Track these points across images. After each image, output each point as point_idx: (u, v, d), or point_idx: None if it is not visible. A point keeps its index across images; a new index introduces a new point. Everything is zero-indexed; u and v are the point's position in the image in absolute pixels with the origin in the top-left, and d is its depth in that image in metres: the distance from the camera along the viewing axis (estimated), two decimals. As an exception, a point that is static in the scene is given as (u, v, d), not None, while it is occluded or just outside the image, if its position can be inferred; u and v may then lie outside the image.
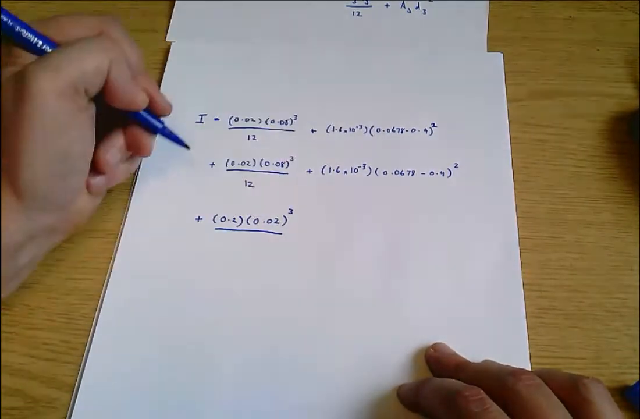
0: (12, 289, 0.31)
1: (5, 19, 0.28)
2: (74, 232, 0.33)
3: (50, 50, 0.29)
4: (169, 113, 0.34)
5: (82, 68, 0.28)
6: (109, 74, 0.29)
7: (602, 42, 0.44)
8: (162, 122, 0.34)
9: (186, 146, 0.36)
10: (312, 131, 0.40)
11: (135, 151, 0.33)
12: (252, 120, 0.40)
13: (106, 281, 0.34)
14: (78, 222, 0.32)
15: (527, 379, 0.26)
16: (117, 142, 0.32)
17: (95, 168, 0.32)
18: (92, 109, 0.30)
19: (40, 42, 0.29)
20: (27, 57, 0.28)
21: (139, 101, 0.31)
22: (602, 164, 0.39)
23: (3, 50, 0.29)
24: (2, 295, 0.30)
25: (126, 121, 0.33)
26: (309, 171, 0.38)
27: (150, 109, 0.33)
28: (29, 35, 0.29)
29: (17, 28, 0.28)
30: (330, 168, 0.38)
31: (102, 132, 0.32)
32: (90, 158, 0.31)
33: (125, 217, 0.36)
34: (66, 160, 0.29)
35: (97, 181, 0.32)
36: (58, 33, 0.29)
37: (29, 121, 0.27)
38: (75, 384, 0.32)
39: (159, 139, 0.34)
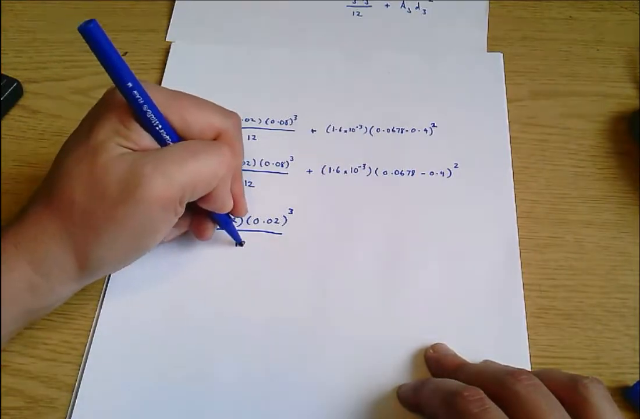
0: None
1: (137, 96, 0.26)
2: None
3: (169, 140, 0.28)
4: (242, 216, 0.35)
5: (197, 181, 0.28)
6: (215, 188, 0.29)
7: (602, 42, 0.44)
8: (230, 219, 0.34)
9: (241, 244, 0.36)
10: (312, 131, 0.40)
11: (196, 234, 0.34)
12: (252, 120, 0.40)
13: (106, 280, 0.34)
14: None
15: (525, 380, 0.26)
16: (181, 223, 0.32)
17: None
18: (182, 211, 0.30)
19: (165, 132, 0.28)
20: (140, 134, 0.28)
21: (226, 208, 0.32)
22: (602, 164, 0.39)
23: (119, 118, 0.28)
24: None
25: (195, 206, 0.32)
26: (309, 171, 0.38)
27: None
28: (153, 117, 0.27)
29: (145, 107, 0.27)
30: (330, 168, 0.38)
31: None
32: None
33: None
34: (139, 253, 0.30)
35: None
36: (177, 115, 0.29)
37: (126, 220, 0.27)
38: (75, 384, 0.32)
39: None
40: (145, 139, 0.28)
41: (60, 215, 0.28)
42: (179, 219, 0.30)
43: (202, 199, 0.30)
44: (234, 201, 0.32)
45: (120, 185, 0.27)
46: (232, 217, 0.35)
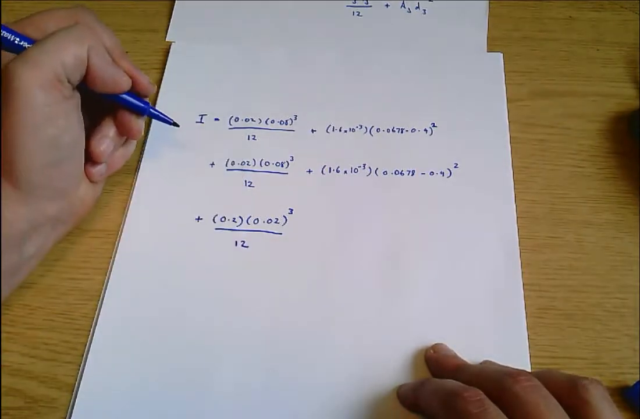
0: (20, 280, 0.31)
1: None
2: (78, 223, 0.34)
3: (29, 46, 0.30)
4: (153, 92, 0.35)
5: (62, 58, 0.28)
6: (88, 60, 0.30)
7: (602, 42, 0.44)
8: (147, 103, 0.34)
9: (175, 124, 0.36)
10: (312, 131, 0.40)
11: (126, 135, 0.34)
12: (252, 120, 0.40)
13: (106, 281, 0.34)
14: (81, 211, 0.33)
15: (524, 381, 0.26)
16: (108, 132, 0.33)
17: (91, 159, 0.33)
18: (76, 98, 0.30)
19: (18, 39, 0.30)
20: (10, 57, 0.29)
21: (123, 82, 0.32)
22: (602, 164, 0.39)
23: None
24: (10, 287, 0.31)
25: (113, 108, 0.33)
26: (309, 171, 0.38)
27: (134, 91, 0.33)
28: (7, 34, 0.29)
29: None
30: (330, 168, 0.38)
31: (93, 123, 0.33)
32: (83, 145, 0.32)
33: (125, 217, 0.36)
34: (57, 148, 0.30)
35: (97, 169, 0.33)
36: (34, 29, 0.30)
37: (17, 114, 0.28)
38: (75, 384, 0.32)
39: (156, 140, 0.34)
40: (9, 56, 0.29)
41: None
42: (106, 128, 0.33)
43: (90, 81, 0.30)
44: (131, 77, 0.32)
45: (1, 91, 0.28)
46: (149, 104, 0.34)
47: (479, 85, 0.42)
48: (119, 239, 0.36)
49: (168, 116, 0.36)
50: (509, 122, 0.40)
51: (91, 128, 0.33)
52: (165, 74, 0.42)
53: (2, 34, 0.29)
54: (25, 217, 0.29)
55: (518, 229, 0.36)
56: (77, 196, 0.32)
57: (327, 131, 0.40)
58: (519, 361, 0.32)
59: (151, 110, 0.35)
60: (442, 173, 0.38)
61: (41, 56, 0.28)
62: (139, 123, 0.34)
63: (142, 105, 0.34)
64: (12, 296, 0.33)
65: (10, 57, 0.29)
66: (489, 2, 0.46)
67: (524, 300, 0.34)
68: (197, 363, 0.32)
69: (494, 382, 0.26)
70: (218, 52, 0.43)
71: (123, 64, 0.33)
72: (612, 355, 0.32)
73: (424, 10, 0.46)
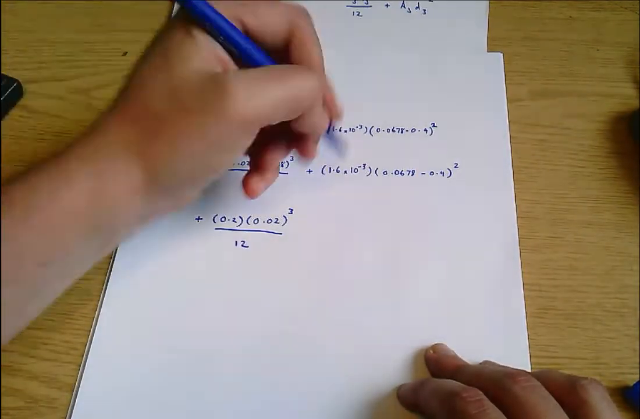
0: (105, 255, 0.30)
1: (210, 15, 0.25)
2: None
3: (248, 46, 0.27)
4: (340, 119, 0.33)
5: (285, 104, 0.27)
6: (306, 111, 0.28)
7: (602, 42, 0.44)
8: (332, 128, 0.33)
9: (342, 155, 0.35)
10: (312, 131, 0.40)
11: (301, 154, 0.32)
12: (252, 120, 0.40)
13: (106, 280, 0.34)
14: (180, 207, 0.31)
15: (524, 381, 0.26)
16: (284, 150, 0.32)
17: (259, 169, 0.32)
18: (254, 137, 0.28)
19: (257, 54, 0.27)
20: (215, 45, 0.26)
21: (324, 126, 0.30)
22: (602, 164, 0.39)
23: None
24: (100, 258, 0.29)
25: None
26: (309, 171, 0.38)
27: None
28: (225, 25, 0.26)
29: (215, 19, 0.26)
30: (330, 168, 0.38)
31: (268, 134, 0.31)
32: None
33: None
34: (211, 173, 0.28)
35: (259, 185, 0.32)
36: (252, 17, 0.27)
37: (206, 134, 0.26)
38: (75, 384, 0.32)
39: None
40: (222, 54, 0.27)
41: (131, 121, 0.26)
42: (280, 144, 0.31)
43: (294, 122, 0.29)
44: (328, 107, 0.30)
45: (201, 95, 0.25)
46: (333, 129, 0.33)
47: (479, 85, 0.42)
48: (119, 239, 0.36)
49: (343, 145, 0.34)
50: (509, 122, 0.40)
51: (265, 138, 0.30)
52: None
53: (227, 31, 0.26)
54: (137, 208, 0.28)
55: (518, 229, 0.36)
56: (189, 198, 0.30)
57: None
58: (519, 361, 0.32)
59: (332, 136, 0.33)
60: (442, 173, 0.38)
61: (270, 94, 0.26)
62: (315, 146, 0.32)
63: (339, 147, 0.33)
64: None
65: (218, 49, 0.27)
66: (489, 2, 0.46)
67: (524, 300, 0.34)
68: (197, 363, 0.32)
69: (493, 382, 0.26)
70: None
71: (327, 97, 0.30)
72: (612, 355, 0.32)
73: (424, 10, 0.46)
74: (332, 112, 0.31)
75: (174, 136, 0.26)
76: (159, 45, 0.27)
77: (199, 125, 0.26)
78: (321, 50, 0.30)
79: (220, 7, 0.26)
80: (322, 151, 0.39)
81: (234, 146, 0.27)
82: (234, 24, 0.27)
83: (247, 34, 0.28)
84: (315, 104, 0.28)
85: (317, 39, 0.30)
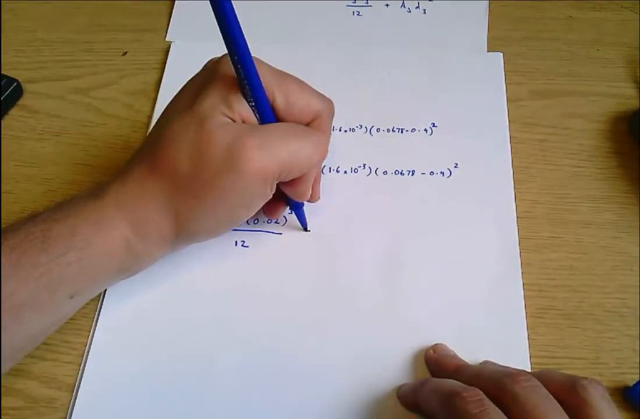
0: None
1: (248, 71, 0.27)
2: None
3: (270, 118, 0.29)
4: (313, 202, 0.35)
5: (295, 160, 0.29)
6: (305, 174, 0.30)
7: (602, 42, 0.44)
8: (302, 205, 0.35)
9: (306, 229, 0.36)
10: (312, 131, 0.40)
11: (266, 213, 0.35)
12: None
13: (106, 281, 0.34)
14: None
15: (524, 381, 0.26)
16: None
17: None
18: (274, 190, 0.30)
19: (266, 105, 0.29)
20: (245, 106, 0.28)
21: (306, 198, 0.33)
22: (602, 164, 0.39)
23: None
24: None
25: None
26: (309, 171, 0.38)
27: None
28: (259, 93, 0.28)
29: (253, 82, 0.27)
30: (330, 168, 0.38)
31: None
32: None
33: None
34: (231, 225, 0.31)
35: None
36: (282, 95, 0.29)
37: (224, 192, 0.28)
38: (75, 384, 0.32)
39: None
40: (248, 113, 0.29)
41: (163, 181, 0.28)
42: None
43: (288, 183, 0.31)
44: (312, 189, 0.33)
45: (224, 154, 0.27)
46: (302, 207, 0.35)
47: (479, 85, 0.42)
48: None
49: (306, 221, 0.36)
50: (509, 122, 0.40)
51: None
52: (165, 74, 0.42)
53: (256, 94, 0.28)
54: (164, 254, 0.31)
55: (518, 229, 0.36)
56: None
57: (327, 131, 0.40)
58: (519, 361, 0.32)
59: (300, 211, 0.35)
60: (442, 173, 0.38)
61: (282, 153, 0.28)
62: (281, 211, 0.35)
63: (298, 209, 0.35)
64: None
65: (242, 106, 0.28)
66: (489, 2, 0.46)
67: (524, 300, 0.34)
68: (197, 363, 0.32)
69: (493, 382, 0.26)
70: (218, 52, 0.43)
71: (316, 175, 0.33)
72: (612, 355, 0.32)
73: (424, 10, 0.46)
74: (314, 191, 0.34)
75: (201, 196, 0.28)
76: (194, 98, 0.29)
77: (224, 183, 0.28)
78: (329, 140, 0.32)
79: (263, 77, 0.28)
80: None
81: (254, 200, 0.30)
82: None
83: (272, 108, 0.29)
84: (316, 167, 0.31)
85: (331, 129, 0.32)
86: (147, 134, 0.30)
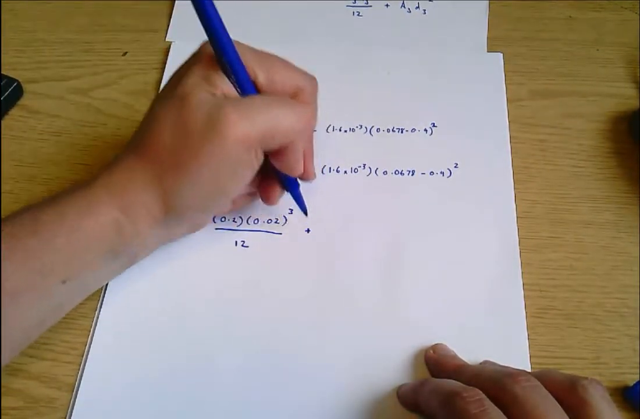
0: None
1: (226, 48, 0.28)
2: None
3: (251, 91, 0.29)
4: (310, 181, 0.35)
5: (276, 128, 0.29)
6: (291, 143, 0.30)
7: (602, 42, 0.44)
8: (298, 186, 0.34)
9: (305, 213, 0.36)
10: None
11: (262, 198, 0.35)
12: (252, 120, 0.40)
13: (106, 281, 0.34)
14: (197, 230, 0.34)
15: (524, 381, 0.26)
16: (253, 187, 0.34)
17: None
18: (262, 161, 0.30)
19: (245, 78, 0.29)
20: (225, 82, 0.29)
21: (297, 171, 0.32)
22: (602, 164, 0.39)
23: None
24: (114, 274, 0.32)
25: (266, 169, 0.32)
26: (309, 171, 0.38)
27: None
28: (239, 68, 0.29)
29: (232, 58, 0.28)
30: (330, 168, 0.38)
31: None
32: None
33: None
34: (221, 198, 0.31)
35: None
36: (265, 72, 0.30)
37: (210, 158, 0.28)
38: (75, 384, 0.32)
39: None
40: (230, 89, 0.29)
41: (149, 158, 0.29)
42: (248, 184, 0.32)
43: (276, 154, 0.31)
44: (304, 163, 0.32)
45: (205, 124, 0.28)
46: (300, 182, 0.35)
47: (479, 85, 0.42)
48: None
49: (305, 204, 0.36)
50: (509, 122, 0.40)
51: None
52: (165, 74, 0.42)
53: (234, 66, 0.28)
54: (156, 235, 0.31)
55: (518, 229, 0.36)
56: (202, 223, 0.33)
57: (327, 131, 0.40)
58: (519, 361, 0.32)
59: (297, 193, 0.35)
60: (442, 173, 0.38)
61: (261, 118, 0.28)
62: (278, 195, 0.34)
63: (294, 189, 0.34)
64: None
65: (224, 83, 0.29)
66: (489, 2, 0.46)
67: (524, 300, 0.34)
68: (197, 362, 0.32)
69: (493, 382, 0.26)
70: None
71: (306, 150, 0.33)
72: (612, 355, 0.32)
73: (424, 10, 0.46)
74: (307, 170, 0.34)
75: (185, 166, 0.28)
76: (178, 80, 0.29)
77: (205, 151, 0.28)
78: (316, 119, 0.32)
79: (244, 55, 0.29)
80: (321, 150, 0.39)
81: (239, 169, 0.29)
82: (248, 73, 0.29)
83: (254, 85, 0.30)
84: (300, 135, 0.30)
85: (316, 104, 0.33)
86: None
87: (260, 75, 0.30)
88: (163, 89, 0.31)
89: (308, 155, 0.34)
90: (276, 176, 0.33)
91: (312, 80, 0.32)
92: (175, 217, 0.30)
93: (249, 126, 0.28)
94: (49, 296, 0.28)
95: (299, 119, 0.30)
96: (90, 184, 0.29)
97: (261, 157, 0.30)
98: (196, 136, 0.28)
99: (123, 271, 0.32)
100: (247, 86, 0.29)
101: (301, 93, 0.31)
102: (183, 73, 0.30)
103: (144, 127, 0.30)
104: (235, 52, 0.28)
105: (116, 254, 0.30)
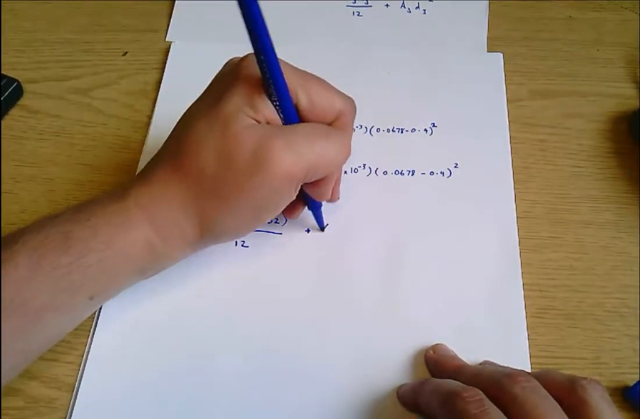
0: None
1: (274, 71, 0.26)
2: None
3: (294, 118, 0.29)
4: (333, 202, 0.36)
5: (321, 161, 0.28)
6: (330, 174, 0.30)
7: (602, 42, 0.44)
8: (321, 205, 0.34)
9: (322, 229, 0.36)
10: (312, 131, 0.40)
11: (285, 213, 0.35)
12: (252, 120, 0.40)
13: (106, 281, 0.34)
14: None
15: (523, 381, 0.26)
16: None
17: None
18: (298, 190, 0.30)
19: (290, 106, 0.28)
20: (269, 107, 0.28)
21: (326, 198, 0.33)
22: (602, 164, 0.39)
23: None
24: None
25: None
26: (309, 171, 0.38)
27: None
28: (284, 93, 0.27)
29: (279, 83, 0.27)
30: (330, 168, 0.38)
31: None
32: None
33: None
34: (255, 226, 0.31)
35: None
36: (305, 95, 0.29)
37: (254, 191, 0.28)
38: (75, 384, 0.32)
39: (158, 141, 0.34)
40: (273, 114, 0.28)
41: (188, 181, 0.28)
42: None
43: (313, 183, 0.30)
44: (332, 189, 0.33)
45: (251, 156, 0.27)
46: (321, 207, 0.35)
47: (479, 85, 0.42)
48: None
49: (323, 221, 0.36)
50: (509, 122, 0.40)
51: None
52: (165, 74, 0.42)
53: (282, 94, 0.27)
54: (186, 255, 0.31)
55: (518, 229, 0.36)
56: None
57: (327, 131, 0.40)
58: (519, 361, 0.32)
59: (319, 211, 0.35)
60: (442, 173, 0.38)
61: (308, 154, 0.28)
62: (299, 211, 0.35)
63: (316, 209, 0.35)
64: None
65: (266, 107, 0.28)
66: (489, 2, 0.46)
67: (524, 300, 0.34)
68: (197, 363, 0.32)
69: (493, 382, 0.26)
70: (218, 52, 0.43)
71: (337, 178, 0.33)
72: (612, 355, 0.32)
73: (424, 10, 0.46)
74: (334, 192, 0.34)
75: (228, 196, 0.28)
76: (219, 97, 0.28)
77: (250, 185, 0.27)
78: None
79: (287, 77, 0.27)
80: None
81: (278, 201, 0.29)
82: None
83: (296, 109, 0.29)
84: (340, 167, 0.31)
85: (352, 131, 0.31)
86: (169, 134, 0.30)
87: (302, 99, 0.28)
88: (201, 101, 0.30)
89: (338, 180, 0.34)
90: (302, 196, 0.33)
91: (351, 102, 0.31)
92: (208, 241, 0.31)
93: (295, 162, 0.27)
94: (74, 312, 0.28)
95: (341, 150, 0.29)
96: (122, 197, 0.28)
97: (298, 189, 0.30)
98: (242, 167, 0.27)
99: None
100: (291, 114, 0.28)
101: (342, 117, 0.30)
102: (224, 89, 0.28)
103: (182, 140, 0.29)
104: (282, 75, 0.27)
105: (144, 272, 0.30)
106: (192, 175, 0.28)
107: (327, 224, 0.36)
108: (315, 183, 0.31)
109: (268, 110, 0.28)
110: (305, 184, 0.30)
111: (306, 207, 0.35)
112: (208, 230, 0.29)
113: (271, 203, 0.29)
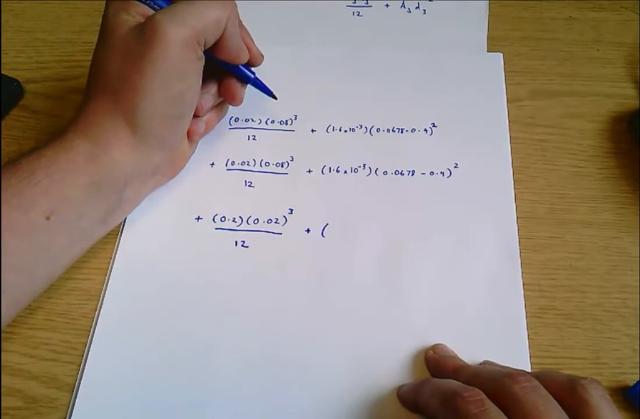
0: (117, 222, 0.34)
1: None
2: (172, 177, 0.37)
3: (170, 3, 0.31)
4: (260, 63, 0.37)
5: (205, 21, 0.31)
6: (225, 28, 0.32)
7: (602, 42, 0.44)
8: (253, 73, 0.36)
9: (274, 97, 0.38)
10: (312, 131, 0.40)
11: (228, 98, 0.36)
12: (252, 120, 0.40)
13: (106, 281, 0.34)
14: (178, 166, 0.36)
15: (523, 381, 0.26)
16: (211, 89, 0.36)
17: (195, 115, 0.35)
18: (203, 60, 0.32)
19: None
20: (143, 7, 0.31)
21: (243, 56, 0.34)
22: (602, 164, 0.39)
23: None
24: (106, 227, 0.33)
25: (220, 70, 0.35)
26: (309, 171, 0.38)
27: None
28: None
29: None
30: (330, 168, 0.38)
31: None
32: (196, 104, 0.34)
33: (125, 217, 0.36)
34: (179, 104, 0.32)
35: (198, 126, 0.36)
36: None
37: (153, 65, 0.30)
38: (75, 384, 0.32)
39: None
40: (147, 10, 0.31)
41: (101, 90, 0.31)
42: (209, 86, 0.35)
43: (218, 48, 0.33)
44: (247, 49, 0.35)
45: (139, 37, 0.30)
46: (255, 75, 0.36)
47: (479, 85, 0.42)
48: (119, 239, 0.36)
49: (269, 88, 0.37)
50: (509, 122, 0.40)
51: None
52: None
53: None
54: (133, 162, 0.32)
55: (518, 229, 0.36)
56: (179, 150, 0.35)
57: (327, 131, 0.40)
58: (519, 361, 0.32)
59: (256, 80, 0.37)
60: (442, 173, 0.38)
61: (188, 16, 0.30)
62: (241, 90, 0.36)
63: (249, 75, 0.36)
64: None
65: (143, 8, 0.31)
66: (489, 2, 0.46)
67: (524, 300, 0.34)
68: (197, 364, 0.32)
69: (493, 382, 0.26)
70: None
71: (244, 36, 0.35)
72: (612, 355, 0.32)
73: (424, 10, 0.46)
74: (252, 53, 0.36)
75: (134, 81, 0.30)
76: (102, 28, 0.32)
77: (147, 62, 0.30)
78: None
79: None
80: (321, 150, 0.39)
81: (184, 68, 0.31)
82: None
83: None
84: (232, 21, 0.32)
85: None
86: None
87: None
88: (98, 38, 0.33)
89: (246, 37, 0.35)
90: (231, 72, 0.35)
91: None
92: (143, 136, 0.32)
93: (178, 26, 0.30)
94: (34, 234, 0.29)
95: (222, 5, 0.31)
96: (58, 133, 0.31)
97: (202, 55, 0.31)
98: (137, 53, 0.30)
99: (111, 224, 0.33)
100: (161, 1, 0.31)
101: None
102: (104, 14, 0.32)
103: (91, 68, 0.32)
104: None
105: (98, 187, 0.31)
106: (102, 84, 0.31)
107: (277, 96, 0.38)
108: (220, 44, 0.32)
109: (141, 8, 0.31)
110: (214, 50, 0.33)
111: (248, 86, 0.37)
112: (135, 121, 0.31)
113: (177, 72, 0.31)
